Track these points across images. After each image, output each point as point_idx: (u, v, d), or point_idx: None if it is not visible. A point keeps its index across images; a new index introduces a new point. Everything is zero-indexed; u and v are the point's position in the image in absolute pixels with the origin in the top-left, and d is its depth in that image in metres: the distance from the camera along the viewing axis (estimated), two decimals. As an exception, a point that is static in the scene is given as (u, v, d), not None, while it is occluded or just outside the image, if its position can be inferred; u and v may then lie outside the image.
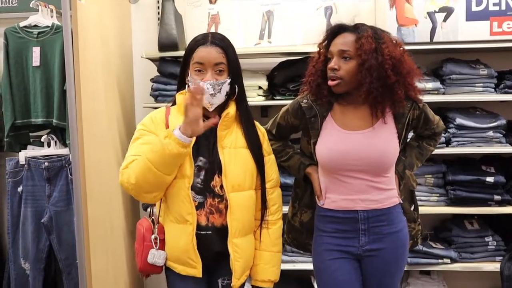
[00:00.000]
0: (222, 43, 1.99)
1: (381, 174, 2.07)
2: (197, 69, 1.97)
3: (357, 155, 2.03)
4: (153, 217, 2.06)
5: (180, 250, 1.98)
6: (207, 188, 1.98)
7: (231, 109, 2.03)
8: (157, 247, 2.00)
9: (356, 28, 2.02)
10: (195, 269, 1.98)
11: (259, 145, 2.08)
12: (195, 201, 1.97)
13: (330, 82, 2.02)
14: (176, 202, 1.97)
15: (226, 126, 2.02)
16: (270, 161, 2.13)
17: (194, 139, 1.88)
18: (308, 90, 2.13)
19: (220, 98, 1.99)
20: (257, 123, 2.14)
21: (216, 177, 1.98)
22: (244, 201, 2.03)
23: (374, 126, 2.06)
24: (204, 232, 1.99)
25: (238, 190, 2.00)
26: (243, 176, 2.01)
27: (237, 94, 2.04)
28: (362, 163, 2.03)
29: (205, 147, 2.00)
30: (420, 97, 2.12)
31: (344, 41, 2.01)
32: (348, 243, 2.09)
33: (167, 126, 1.98)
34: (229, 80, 1.99)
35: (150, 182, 1.90)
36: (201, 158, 1.98)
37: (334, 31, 2.06)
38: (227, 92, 2.00)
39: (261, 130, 2.15)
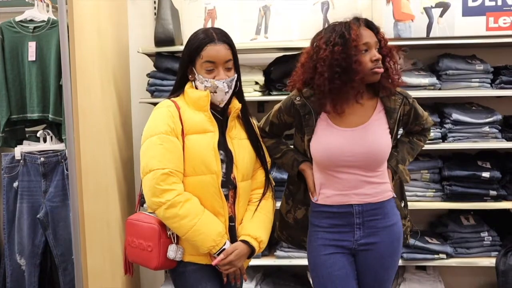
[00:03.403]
0: (228, 39, 2.03)
1: (375, 169, 2.09)
2: (208, 69, 1.99)
3: (351, 151, 2.04)
4: None
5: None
6: (229, 180, 2.03)
7: (237, 102, 2.08)
8: (176, 242, 2.00)
9: (366, 22, 2.06)
10: None
11: (257, 135, 2.16)
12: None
13: (379, 70, 2.00)
14: (206, 198, 1.99)
15: (233, 117, 2.07)
16: (263, 146, 2.21)
17: None
18: (326, 89, 2.02)
19: (230, 94, 2.05)
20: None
21: (234, 168, 2.03)
22: (247, 189, 2.10)
23: (367, 122, 2.07)
24: (233, 224, 2.05)
25: (246, 179, 2.07)
26: (250, 166, 2.09)
27: (238, 88, 2.09)
28: (356, 159, 2.04)
29: (221, 140, 2.03)
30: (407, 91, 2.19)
31: (371, 33, 2.03)
32: (343, 237, 2.10)
33: (181, 121, 1.98)
34: (236, 76, 2.04)
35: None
36: (221, 151, 2.01)
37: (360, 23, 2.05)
38: (234, 87, 2.05)
39: (255, 123, 2.21)
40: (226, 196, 2.02)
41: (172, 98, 2.07)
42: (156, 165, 1.92)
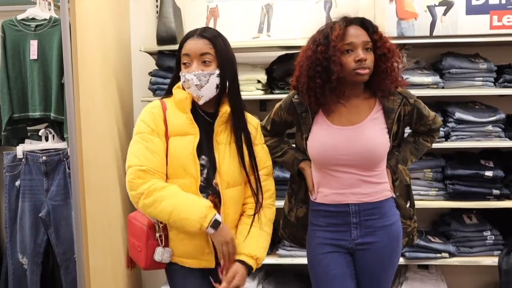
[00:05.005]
0: (209, 34, 1.97)
1: (372, 168, 2.08)
2: (184, 62, 1.97)
3: (347, 150, 2.03)
4: None
5: (194, 245, 1.98)
6: (210, 186, 1.98)
7: (227, 105, 2.01)
8: (163, 245, 2.00)
9: (360, 21, 2.03)
10: (208, 261, 2.00)
11: (249, 139, 2.06)
12: None
13: (362, 71, 1.97)
14: None
15: (222, 122, 2.01)
16: (263, 149, 2.13)
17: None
18: (312, 92, 2.05)
19: (209, 90, 1.96)
20: (250, 116, 2.13)
21: (216, 175, 1.98)
22: (235, 196, 2.04)
23: (364, 121, 2.06)
24: None
25: (232, 186, 2.01)
26: (238, 172, 2.02)
27: (229, 88, 2.00)
28: (352, 158, 2.04)
29: (206, 144, 1.99)
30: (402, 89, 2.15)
31: (361, 33, 2.00)
32: (340, 236, 2.10)
33: (165, 122, 1.96)
34: (217, 72, 1.96)
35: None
36: (203, 156, 1.97)
37: (347, 23, 2.02)
38: (217, 85, 1.97)
39: (253, 123, 2.13)
40: None
41: (164, 98, 2.05)
42: (134, 162, 1.91)
